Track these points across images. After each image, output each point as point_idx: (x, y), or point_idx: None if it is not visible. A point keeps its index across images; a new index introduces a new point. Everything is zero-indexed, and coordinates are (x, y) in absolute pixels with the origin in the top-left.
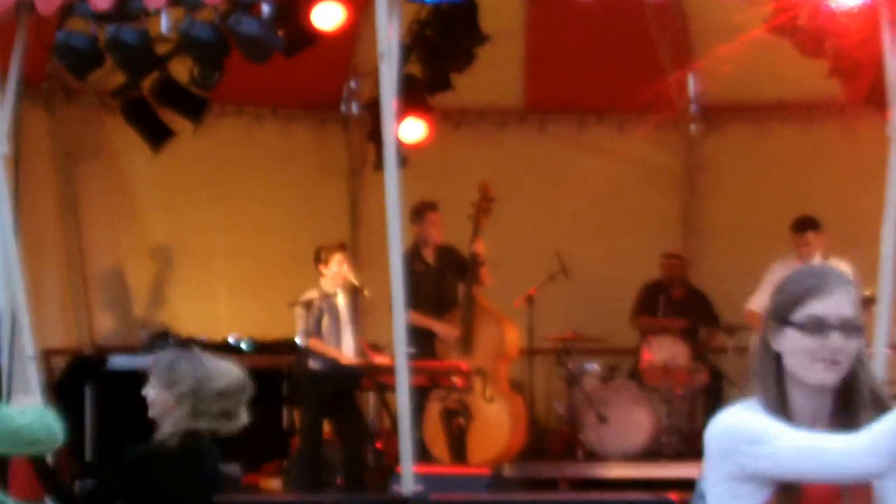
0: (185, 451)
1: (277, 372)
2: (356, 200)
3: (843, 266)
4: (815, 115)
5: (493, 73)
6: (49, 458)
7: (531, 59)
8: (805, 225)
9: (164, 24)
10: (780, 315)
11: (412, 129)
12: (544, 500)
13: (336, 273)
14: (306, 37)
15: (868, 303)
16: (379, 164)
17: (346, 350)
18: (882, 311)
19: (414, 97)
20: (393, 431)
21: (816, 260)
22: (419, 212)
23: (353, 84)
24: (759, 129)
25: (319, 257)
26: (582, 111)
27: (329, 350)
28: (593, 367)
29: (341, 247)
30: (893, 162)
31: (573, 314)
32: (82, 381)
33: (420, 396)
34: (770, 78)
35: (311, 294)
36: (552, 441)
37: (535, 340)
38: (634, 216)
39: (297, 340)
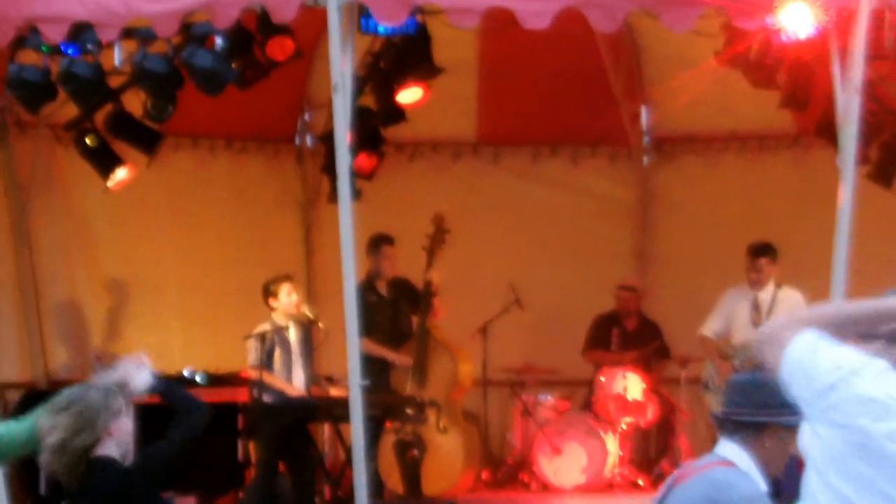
0: None
1: (232, 405)
2: (310, 232)
3: (795, 295)
4: (766, 146)
5: (447, 106)
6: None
7: (485, 91)
8: (760, 251)
9: (118, 56)
10: None
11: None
12: None
13: (287, 303)
14: (260, 69)
15: None
16: (333, 196)
17: (297, 383)
18: None
19: (368, 129)
20: (347, 463)
21: (769, 288)
22: (376, 244)
23: (307, 116)
24: (711, 160)
25: (269, 291)
26: (535, 143)
27: (278, 382)
28: (547, 398)
29: (288, 277)
30: (843, 193)
31: (527, 345)
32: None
33: (375, 428)
34: (722, 109)
35: (264, 327)
36: (506, 472)
37: (489, 372)
38: (588, 247)
39: (249, 373)
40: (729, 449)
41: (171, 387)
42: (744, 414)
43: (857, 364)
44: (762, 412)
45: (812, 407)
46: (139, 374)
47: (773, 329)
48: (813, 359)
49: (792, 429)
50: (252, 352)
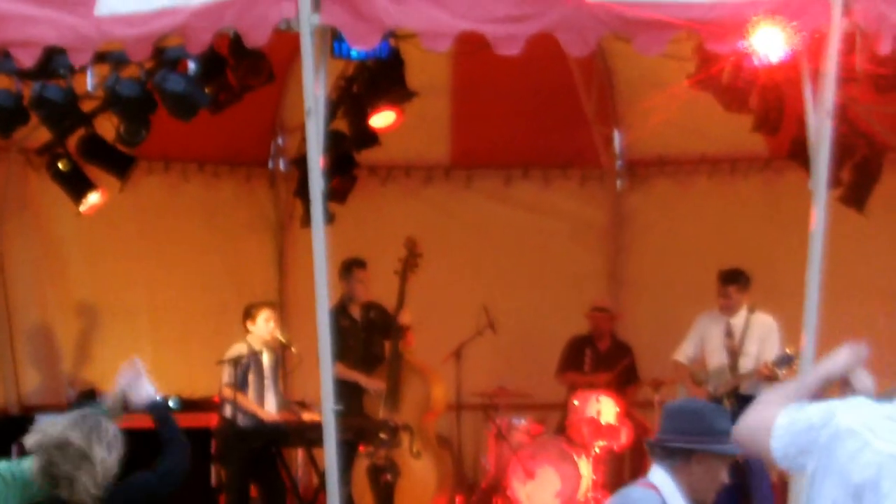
0: None
1: (205, 429)
2: (283, 256)
3: (767, 321)
4: (738, 169)
5: (420, 129)
6: None
7: (457, 114)
8: (729, 278)
9: (90, 81)
10: None
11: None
12: None
13: (263, 329)
14: (232, 93)
15: (790, 360)
16: (306, 220)
17: (269, 407)
18: (806, 362)
19: (341, 153)
20: (321, 488)
21: (742, 314)
22: (348, 268)
23: (279, 140)
24: (683, 183)
25: (248, 313)
26: (508, 166)
27: (251, 405)
28: (521, 421)
29: (270, 304)
30: (816, 216)
31: (501, 369)
32: (9, 440)
33: (348, 452)
34: (694, 132)
35: (238, 349)
36: (480, 496)
37: (462, 395)
38: (561, 270)
39: (223, 396)
40: (657, 474)
41: (167, 411)
42: (673, 440)
43: (838, 403)
44: (691, 439)
45: (812, 454)
46: (139, 385)
47: (750, 422)
48: (802, 415)
49: (722, 457)
50: (227, 376)
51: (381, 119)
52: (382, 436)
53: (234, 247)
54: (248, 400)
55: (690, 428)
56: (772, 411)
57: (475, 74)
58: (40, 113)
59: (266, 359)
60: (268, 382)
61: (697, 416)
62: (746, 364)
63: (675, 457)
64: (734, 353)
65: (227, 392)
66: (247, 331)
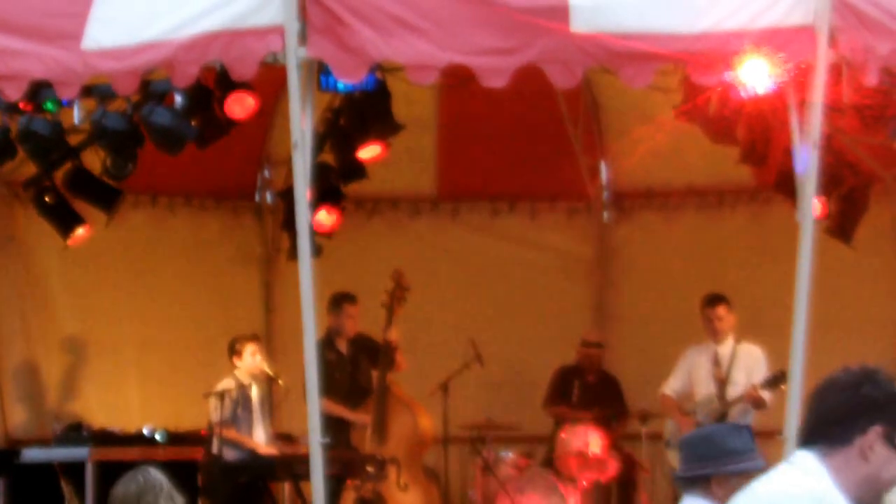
0: None
1: (192, 463)
2: (270, 289)
3: (754, 350)
4: (726, 200)
5: (406, 162)
6: None
7: (444, 147)
8: (716, 299)
9: (77, 114)
10: None
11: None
12: None
13: (250, 364)
14: (219, 126)
15: (778, 381)
16: (293, 253)
17: (258, 441)
18: (793, 393)
19: (328, 186)
20: None
21: (729, 343)
22: (338, 302)
23: (266, 173)
24: (670, 215)
25: (233, 349)
26: (495, 199)
27: (244, 439)
28: (508, 454)
29: (254, 337)
30: (803, 248)
31: (488, 402)
32: None
33: (335, 486)
34: (681, 164)
35: (226, 384)
36: None
37: (450, 428)
38: (547, 303)
39: (210, 430)
40: (692, 502)
41: None
42: (690, 469)
43: None
44: (706, 464)
45: None
46: None
47: None
48: None
49: (743, 475)
50: (213, 410)
51: (368, 152)
52: (369, 469)
53: (221, 280)
54: (240, 434)
55: (704, 454)
56: None
57: (462, 107)
58: (27, 146)
59: (255, 392)
60: (257, 416)
61: (708, 441)
62: (734, 393)
63: (697, 485)
64: (721, 382)
65: (214, 426)
66: (234, 366)
